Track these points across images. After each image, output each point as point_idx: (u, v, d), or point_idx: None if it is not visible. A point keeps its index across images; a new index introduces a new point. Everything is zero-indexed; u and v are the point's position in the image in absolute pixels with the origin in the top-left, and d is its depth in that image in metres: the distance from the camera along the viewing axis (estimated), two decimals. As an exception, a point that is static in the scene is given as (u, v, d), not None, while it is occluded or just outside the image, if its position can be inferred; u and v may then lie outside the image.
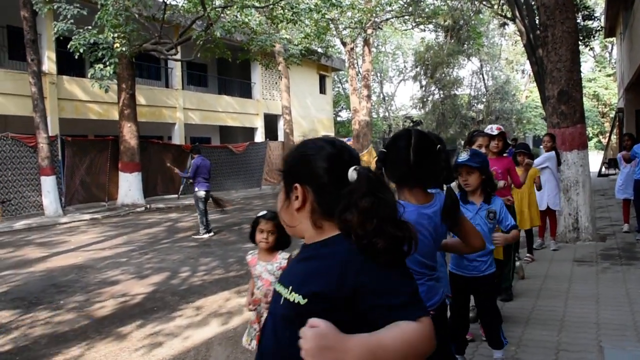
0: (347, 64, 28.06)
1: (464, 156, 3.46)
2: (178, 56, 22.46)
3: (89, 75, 15.52)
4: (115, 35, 14.70)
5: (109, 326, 5.44)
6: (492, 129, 5.11)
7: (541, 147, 7.86)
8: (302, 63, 29.02)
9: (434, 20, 22.44)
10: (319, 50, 28.36)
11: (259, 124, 28.45)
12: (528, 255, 7.02)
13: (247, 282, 7.07)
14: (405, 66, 43.90)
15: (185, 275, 7.73)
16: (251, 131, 28.61)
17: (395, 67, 45.87)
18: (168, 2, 18.68)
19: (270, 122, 29.52)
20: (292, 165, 1.45)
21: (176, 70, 24.17)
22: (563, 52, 7.87)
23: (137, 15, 16.85)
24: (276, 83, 28.64)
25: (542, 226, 7.69)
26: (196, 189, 11.16)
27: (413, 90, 48.56)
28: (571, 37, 7.90)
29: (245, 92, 28.81)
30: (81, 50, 14.42)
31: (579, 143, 8.04)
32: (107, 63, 14.79)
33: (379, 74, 43.62)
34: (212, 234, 11.27)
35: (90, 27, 14.71)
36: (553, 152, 7.36)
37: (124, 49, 14.94)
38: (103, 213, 16.31)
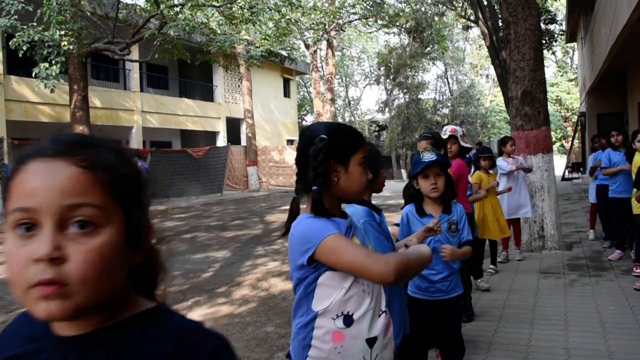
0: (310, 67, 27.52)
1: (429, 155, 2.93)
2: (135, 57, 21.70)
3: (33, 74, 14.60)
4: (62, 32, 13.84)
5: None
6: (445, 131, 4.63)
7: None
8: (265, 66, 28.51)
9: (396, 22, 22.09)
10: (283, 53, 27.82)
11: (221, 127, 27.72)
12: (492, 266, 6.57)
13: (190, 299, 6.52)
14: (370, 70, 43.70)
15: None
16: (213, 135, 27.85)
17: (361, 71, 45.70)
18: (122, 0, 17.96)
19: (233, 126, 28.81)
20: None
21: (133, 72, 23.29)
22: (526, 51, 7.48)
23: (89, 13, 16.03)
24: (238, 86, 27.96)
25: (506, 237, 7.24)
26: None
27: (379, 95, 48.39)
28: (534, 35, 7.52)
29: (207, 95, 28.06)
30: (24, 48, 13.52)
31: (543, 146, 7.65)
32: (53, 62, 13.93)
33: (344, 78, 43.32)
34: None
35: (35, 24, 13.83)
36: (520, 157, 6.97)
37: (71, 47, 14.07)
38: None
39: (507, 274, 6.46)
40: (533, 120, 7.57)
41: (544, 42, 18.64)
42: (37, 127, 19.47)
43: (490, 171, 6.53)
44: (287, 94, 33.23)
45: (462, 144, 4.63)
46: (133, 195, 0.84)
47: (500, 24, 9.32)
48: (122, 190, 0.82)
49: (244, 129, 27.77)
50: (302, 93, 43.62)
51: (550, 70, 48.13)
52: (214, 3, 16.63)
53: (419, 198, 3.01)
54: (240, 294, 6.49)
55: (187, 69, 27.43)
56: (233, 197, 23.41)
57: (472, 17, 18.56)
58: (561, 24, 20.80)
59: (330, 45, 25.91)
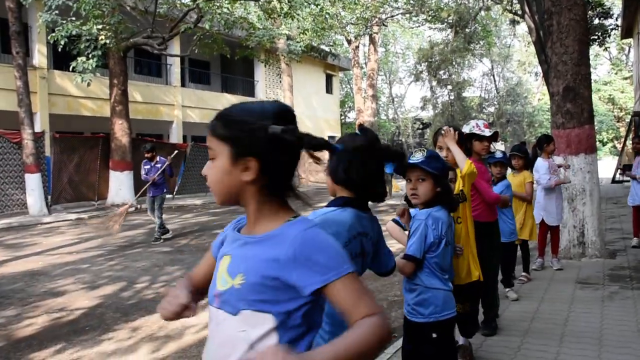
0: (352, 63, 27.15)
1: (417, 156, 2.61)
2: (176, 52, 21.87)
3: (70, 68, 14.80)
4: (100, 27, 13.98)
5: (23, 350, 4.65)
6: (480, 127, 4.12)
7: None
8: (307, 61, 28.33)
9: (439, 16, 21.41)
10: (324, 48, 27.56)
11: (262, 122, 27.64)
12: (524, 274, 6.10)
13: (205, 300, 6.31)
14: (415, 67, 42.97)
15: (141, 286, 6.97)
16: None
17: (405, 68, 44.93)
18: (162, -5, 18.05)
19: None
20: None
21: (175, 67, 23.49)
22: (570, 43, 6.94)
23: (128, 8, 16.18)
24: (280, 82, 27.87)
25: (542, 242, 6.75)
26: (162, 190, 10.51)
27: (423, 92, 47.51)
28: (579, 25, 6.97)
29: (248, 90, 28.09)
30: (62, 43, 13.74)
31: (586, 146, 7.09)
32: (91, 56, 14.08)
33: (388, 75, 42.69)
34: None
35: (74, 18, 14.02)
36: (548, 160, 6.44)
37: (108, 41, 14.19)
38: (90, 213, 15.68)
39: (541, 283, 5.99)
40: (575, 117, 7.02)
41: (595, 37, 17.76)
42: (78, 121, 19.86)
43: (525, 172, 6.07)
44: (329, 90, 32.98)
45: (486, 132, 4.15)
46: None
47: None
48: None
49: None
50: (345, 89, 43.22)
51: (604, 68, 46.29)
52: (251, -3, 16.50)
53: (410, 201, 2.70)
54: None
55: (229, 65, 27.55)
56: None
57: (519, 12, 17.79)
58: (617, 19, 19.73)
59: (372, 40, 25.45)
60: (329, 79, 32.83)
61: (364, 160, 2.07)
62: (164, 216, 10.72)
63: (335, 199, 2.11)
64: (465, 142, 4.21)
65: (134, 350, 4.60)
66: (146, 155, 10.41)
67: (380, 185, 2.13)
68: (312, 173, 27.68)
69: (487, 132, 4.08)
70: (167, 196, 19.73)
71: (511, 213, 5.38)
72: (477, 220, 4.12)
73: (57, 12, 14.16)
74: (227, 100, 25.73)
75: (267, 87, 28.30)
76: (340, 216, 2.00)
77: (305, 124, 29.97)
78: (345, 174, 2.06)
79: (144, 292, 6.63)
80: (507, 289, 5.40)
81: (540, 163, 6.46)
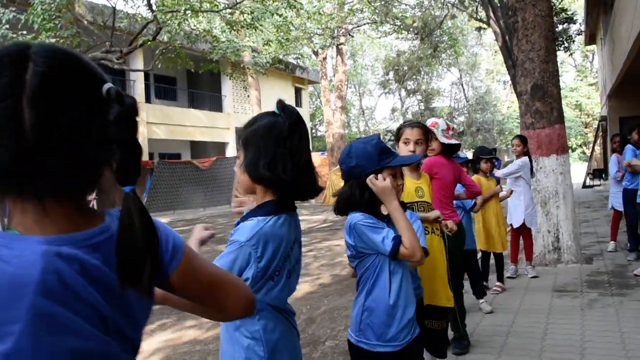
0: (320, 75, 26.87)
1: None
2: (139, 67, 21.28)
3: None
4: (53, 40, 13.35)
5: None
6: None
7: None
8: (275, 75, 27.96)
9: (404, 25, 21.26)
10: (292, 61, 27.22)
11: (230, 138, 27.19)
12: (498, 284, 5.72)
13: (156, 321, 5.80)
14: (383, 76, 43.04)
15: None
16: (222, 146, 27.35)
17: (375, 80, 44.93)
18: (123, 10, 17.52)
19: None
20: None
21: (138, 83, 22.88)
22: (536, 40, 6.66)
23: (86, 22, 15.60)
24: (248, 96, 27.42)
25: (515, 248, 6.38)
26: None
27: (393, 103, 47.52)
28: (545, 22, 6.70)
29: (216, 105, 27.59)
30: (13, 57, 13.06)
31: (557, 146, 6.79)
32: (43, 70, 13.42)
33: (357, 87, 42.61)
34: None
35: (25, 32, 13.38)
36: (526, 158, 6.10)
37: (62, 55, 13.57)
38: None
39: (516, 293, 5.60)
40: (545, 117, 6.72)
41: (560, 42, 17.78)
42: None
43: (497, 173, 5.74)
44: (298, 103, 32.63)
45: (443, 140, 3.79)
46: None
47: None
48: None
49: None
50: (315, 103, 42.98)
51: (569, 75, 46.94)
52: (213, 8, 16.08)
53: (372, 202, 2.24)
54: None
55: (195, 80, 27.05)
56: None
57: (484, 19, 17.75)
58: (578, 22, 19.83)
59: (339, 52, 25.22)
60: (297, 93, 32.51)
61: (291, 150, 1.66)
62: None
63: (263, 205, 1.69)
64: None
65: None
66: None
67: (313, 181, 1.72)
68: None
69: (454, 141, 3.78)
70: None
71: (471, 219, 5.12)
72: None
73: (7, 26, 13.52)
74: (194, 115, 25.19)
75: (234, 102, 27.86)
76: (279, 228, 1.66)
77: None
78: (270, 170, 1.63)
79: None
80: (480, 300, 5.01)
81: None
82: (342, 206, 2.24)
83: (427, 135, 3.28)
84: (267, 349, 1.64)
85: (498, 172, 6.17)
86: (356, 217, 2.17)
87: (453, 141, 3.82)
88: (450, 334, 4.00)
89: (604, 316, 4.59)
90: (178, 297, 1.06)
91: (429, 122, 3.83)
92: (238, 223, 1.69)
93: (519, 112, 7.36)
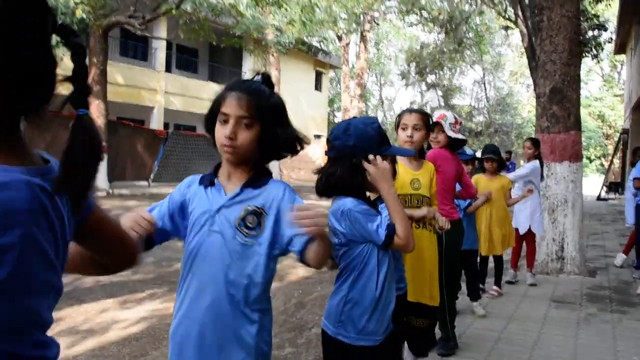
0: (341, 60, 26.62)
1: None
2: (163, 36, 21.21)
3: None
4: (78, 1, 13.30)
5: None
6: (433, 117, 3.67)
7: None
8: (297, 57, 27.76)
9: (430, 15, 20.92)
10: (315, 43, 26.99)
11: (248, 115, 27.08)
12: (495, 287, 5.58)
13: (147, 289, 5.75)
14: (408, 71, 42.63)
15: (84, 274, 6.34)
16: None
17: (397, 71, 44.51)
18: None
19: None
20: None
21: (160, 51, 22.78)
22: (560, 41, 6.44)
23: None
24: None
25: (516, 253, 6.22)
26: None
27: (413, 96, 47.12)
28: (571, 23, 6.47)
29: (235, 81, 27.42)
30: (34, 14, 13.08)
31: (571, 153, 6.59)
32: (65, 30, 13.41)
33: (378, 76, 42.22)
34: None
35: (49, -10, 13.35)
36: (537, 162, 5.92)
37: (84, 16, 13.53)
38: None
39: (512, 299, 5.46)
40: (562, 122, 6.52)
41: (588, 49, 17.36)
42: (54, 99, 19.12)
43: (503, 174, 5.57)
44: (318, 87, 32.40)
45: (450, 133, 3.66)
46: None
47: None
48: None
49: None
50: (336, 88, 42.71)
51: (595, 84, 46.17)
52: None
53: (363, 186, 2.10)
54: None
55: (217, 53, 26.90)
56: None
57: (512, 17, 17.39)
58: (608, 29, 19.38)
59: (363, 38, 24.95)
60: (318, 76, 32.25)
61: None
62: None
63: None
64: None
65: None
66: None
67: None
68: (294, 170, 27.13)
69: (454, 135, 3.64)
70: (143, 182, 19.21)
71: (473, 219, 4.95)
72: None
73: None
74: (212, 89, 24.55)
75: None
76: None
77: (291, 120, 29.35)
78: None
79: (82, 280, 6.03)
80: (474, 303, 4.88)
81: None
82: (330, 188, 2.11)
83: (427, 121, 3.13)
84: None
85: (510, 175, 6.01)
86: (348, 202, 2.04)
87: (460, 136, 3.70)
88: (438, 333, 3.89)
89: (600, 332, 4.45)
90: (76, 252, 1.15)
91: (437, 114, 3.70)
92: None
93: (535, 114, 7.16)
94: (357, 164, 2.02)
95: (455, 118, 3.72)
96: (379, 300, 2.03)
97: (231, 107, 1.63)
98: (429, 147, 3.85)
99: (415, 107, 36.57)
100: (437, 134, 3.64)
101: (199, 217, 1.66)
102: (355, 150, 2.04)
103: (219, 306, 1.58)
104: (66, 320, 4.60)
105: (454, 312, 3.86)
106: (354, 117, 2.39)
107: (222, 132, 1.63)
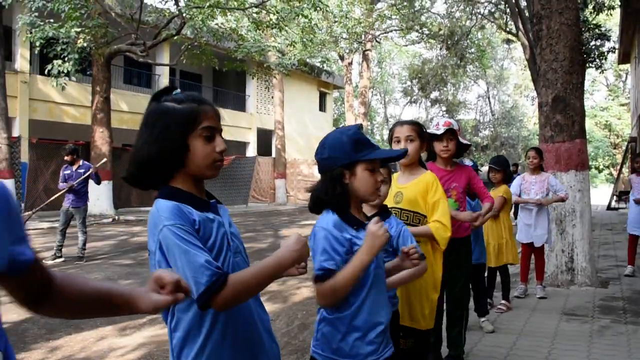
0: (344, 80, 26.68)
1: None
2: (165, 62, 21.40)
3: (46, 71, 14.31)
4: (78, 30, 13.46)
5: None
6: (439, 125, 3.60)
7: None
8: (301, 78, 27.93)
9: (431, 31, 20.98)
10: (317, 64, 27.13)
11: (252, 138, 27.20)
12: (503, 302, 5.42)
13: (148, 314, 5.57)
14: (411, 87, 42.71)
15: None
16: (244, 145, 27.34)
17: (401, 89, 44.63)
18: (150, 4, 17.62)
19: (265, 137, 28.27)
20: None
21: (163, 78, 22.99)
22: (560, 49, 6.36)
23: (113, 14, 15.71)
24: (272, 97, 27.39)
25: (525, 266, 6.06)
26: (84, 202, 8.95)
27: (418, 113, 47.06)
28: (571, 31, 6.39)
29: (239, 105, 27.62)
30: (37, 44, 13.26)
31: (577, 162, 6.47)
32: (67, 59, 13.54)
33: (382, 94, 42.33)
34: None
35: (52, 20, 13.52)
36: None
37: (86, 44, 13.67)
38: (64, 223, 15.02)
39: (521, 313, 5.30)
40: (566, 130, 6.41)
41: (592, 59, 17.28)
42: (60, 128, 19.28)
43: (503, 186, 5.45)
44: (322, 107, 32.52)
45: (462, 140, 3.63)
46: None
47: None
48: None
49: (274, 141, 27.18)
50: (340, 108, 42.82)
51: (601, 94, 45.99)
52: (239, 6, 16.06)
53: (345, 200, 1.99)
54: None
55: (221, 78, 27.13)
56: (258, 210, 22.71)
57: (513, 30, 17.38)
58: (611, 39, 19.31)
59: (365, 57, 25.03)
60: (322, 97, 32.39)
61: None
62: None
63: None
64: (429, 144, 3.65)
65: (39, 377, 3.94)
66: (66, 158, 8.91)
67: None
68: (300, 191, 27.05)
69: (441, 130, 3.51)
70: (148, 208, 19.11)
71: (482, 231, 4.82)
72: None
73: (36, 14, 13.68)
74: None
75: (258, 102, 27.85)
76: None
77: (297, 141, 29.44)
78: None
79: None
80: (481, 319, 4.74)
81: (515, 180, 5.93)
82: (315, 204, 2.02)
83: (420, 132, 3.05)
84: None
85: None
86: (322, 222, 1.94)
87: (466, 141, 3.66)
88: (445, 351, 3.77)
89: (614, 345, 4.29)
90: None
91: (441, 122, 3.61)
92: None
93: (539, 124, 7.06)
94: (336, 175, 1.93)
95: (458, 126, 3.66)
96: (354, 320, 1.92)
97: (214, 121, 1.56)
98: (429, 159, 3.77)
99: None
100: (447, 142, 3.55)
101: (220, 242, 1.54)
102: (330, 161, 1.94)
103: None
104: (62, 349, 4.50)
105: (464, 335, 3.76)
106: (337, 128, 2.31)
107: (210, 148, 1.54)
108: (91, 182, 9.10)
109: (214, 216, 1.55)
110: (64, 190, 8.77)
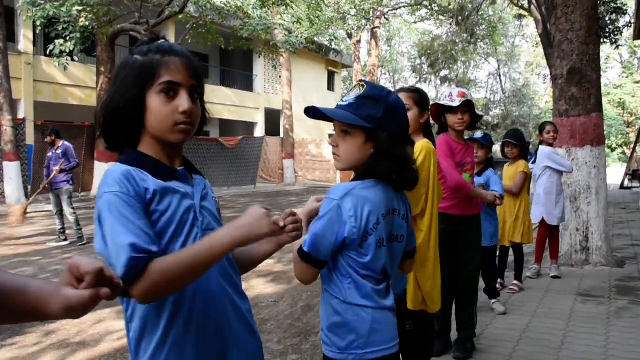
0: (352, 58, 26.26)
1: (347, 97, 1.76)
2: (170, 41, 21.12)
3: (47, 51, 14.12)
4: (80, 8, 13.19)
5: None
6: (452, 95, 3.36)
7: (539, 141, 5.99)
8: (309, 57, 27.56)
9: (440, 7, 20.49)
10: (325, 42, 26.72)
11: (259, 118, 26.95)
12: (515, 282, 5.21)
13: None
14: (421, 65, 42.12)
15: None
16: (252, 126, 27.13)
17: (410, 68, 44.06)
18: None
19: (273, 117, 28.03)
20: None
21: (169, 57, 22.72)
22: (576, 18, 6.05)
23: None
24: (279, 77, 27.06)
25: (541, 245, 5.82)
26: (65, 182, 8.49)
27: (428, 92, 46.46)
28: (588, -1, 6.08)
29: (247, 85, 27.34)
30: (38, 23, 13.03)
31: (593, 137, 6.20)
32: (68, 38, 13.31)
33: (391, 73, 41.80)
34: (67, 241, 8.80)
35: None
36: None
37: (88, 23, 13.42)
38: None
39: (534, 294, 5.10)
40: (581, 104, 6.13)
41: (606, 34, 16.80)
42: (66, 109, 19.14)
43: (520, 161, 5.20)
44: (331, 87, 32.13)
45: (478, 112, 3.42)
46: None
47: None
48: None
49: (282, 121, 26.92)
50: (350, 87, 42.39)
51: (614, 72, 45.16)
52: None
53: None
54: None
55: (228, 58, 26.83)
56: (266, 190, 22.55)
57: (525, 5, 16.91)
58: (631, 17, 18.75)
59: (374, 35, 24.59)
60: (330, 76, 31.97)
61: None
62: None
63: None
64: (440, 115, 3.42)
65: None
66: (46, 140, 8.71)
67: None
68: (309, 171, 26.86)
69: (457, 102, 3.26)
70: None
71: (495, 212, 4.59)
72: (449, 214, 3.29)
73: (35, -8, 13.42)
74: (224, 94, 24.96)
75: (265, 82, 27.54)
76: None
77: (305, 121, 29.14)
78: None
79: (82, 291, 5.81)
80: (492, 301, 4.54)
81: (544, 152, 5.60)
82: None
83: (419, 99, 2.79)
84: None
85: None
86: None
87: (480, 112, 3.44)
88: (455, 334, 3.58)
89: (632, 327, 4.08)
90: None
91: (455, 92, 3.36)
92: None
93: (553, 98, 6.77)
94: None
95: (459, 92, 3.40)
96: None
97: (180, 75, 1.30)
98: (441, 131, 3.55)
99: (430, 102, 36.64)
100: (462, 114, 3.32)
101: (182, 215, 1.29)
102: None
103: None
104: (58, 332, 4.37)
105: (476, 315, 3.56)
106: None
107: (171, 107, 1.29)
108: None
109: (181, 186, 1.33)
110: (51, 177, 8.48)
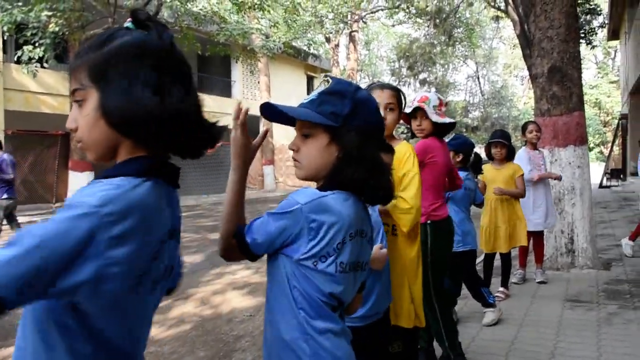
0: (331, 62, 26.13)
1: (309, 95, 1.54)
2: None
3: (15, 57, 13.73)
4: (49, 14, 12.83)
5: None
6: (415, 100, 3.16)
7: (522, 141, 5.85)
8: (287, 62, 27.36)
9: (417, 9, 20.46)
10: (304, 47, 26.58)
11: (238, 124, 26.65)
12: (501, 289, 5.03)
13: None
14: (400, 68, 42.17)
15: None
16: (230, 132, 26.75)
17: (390, 71, 44.11)
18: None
19: (252, 123, 27.64)
20: None
21: (144, 64, 22.35)
22: (556, 16, 5.92)
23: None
24: (258, 82, 26.82)
25: (523, 250, 5.64)
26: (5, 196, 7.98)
27: (407, 95, 46.40)
28: (567, -4, 5.95)
29: (225, 91, 27.01)
30: (5, 29, 12.65)
31: (576, 136, 6.06)
32: (37, 44, 12.93)
33: (371, 77, 41.80)
34: None
35: (20, 3, 12.88)
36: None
37: (57, 29, 13.06)
38: (46, 215, 14.51)
39: (521, 300, 4.91)
40: (563, 103, 5.99)
41: (582, 35, 16.86)
42: (38, 118, 18.65)
43: (512, 164, 5.04)
44: (310, 91, 31.88)
45: (435, 118, 3.12)
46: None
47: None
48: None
49: (261, 127, 26.67)
50: (328, 93, 42.26)
51: (590, 72, 45.74)
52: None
53: None
54: (179, 311, 5.16)
55: (205, 64, 26.50)
56: (246, 197, 22.21)
57: (502, 7, 16.92)
58: (602, 14, 18.92)
59: (352, 39, 24.48)
60: (310, 81, 31.82)
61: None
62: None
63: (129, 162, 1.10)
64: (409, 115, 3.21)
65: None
66: None
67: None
68: (289, 177, 26.62)
69: (413, 106, 3.10)
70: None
71: (468, 214, 4.40)
72: (434, 221, 3.09)
73: (4, -1, 13.05)
74: (202, 100, 24.65)
75: (244, 88, 27.28)
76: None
77: (284, 127, 28.70)
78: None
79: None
80: (484, 310, 4.30)
81: (521, 154, 5.46)
82: None
83: (400, 101, 2.59)
84: None
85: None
86: None
87: (447, 119, 3.17)
88: (440, 351, 3.36)
89: (624, 334, 3.90)
90: None
91: (417, 97, 3.17)
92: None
93: (534, 97, 6.63)
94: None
95: (440, 99, 3.19)
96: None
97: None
98: (413, 136, 3.34)
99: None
100: (420, 120, 3.11)
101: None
102: None
103: None
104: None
105: (452, 324, 3.30)
106: None
107: None
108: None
109: None
110: None
